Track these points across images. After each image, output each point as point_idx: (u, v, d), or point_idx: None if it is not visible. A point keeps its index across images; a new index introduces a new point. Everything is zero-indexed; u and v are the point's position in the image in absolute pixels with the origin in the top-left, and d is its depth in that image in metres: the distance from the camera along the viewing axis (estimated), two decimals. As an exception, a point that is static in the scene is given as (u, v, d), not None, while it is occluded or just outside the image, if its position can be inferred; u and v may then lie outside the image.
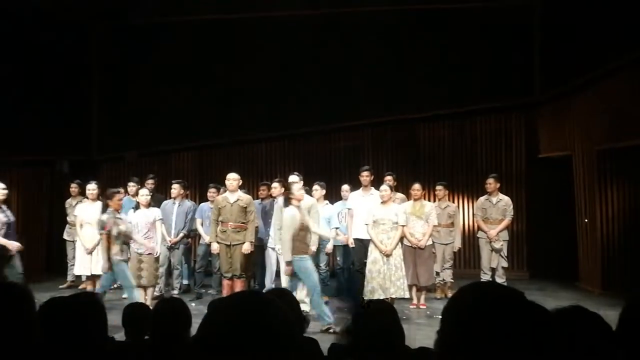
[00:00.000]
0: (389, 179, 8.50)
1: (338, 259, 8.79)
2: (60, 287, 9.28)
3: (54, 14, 10.15)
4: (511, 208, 8.54)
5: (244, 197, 7.72)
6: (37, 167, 10.61)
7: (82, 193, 9.15)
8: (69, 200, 9.51)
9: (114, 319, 3.46)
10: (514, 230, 9.80)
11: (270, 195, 8.38)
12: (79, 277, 9.06)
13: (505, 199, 8.58)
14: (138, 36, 11.42)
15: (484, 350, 1.13)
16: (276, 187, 8.15)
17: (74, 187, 9.45)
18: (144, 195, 7.84)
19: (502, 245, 8.38)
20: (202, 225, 8.56)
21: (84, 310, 2.50)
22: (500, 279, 8.31)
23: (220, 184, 8.60)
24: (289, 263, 6.67)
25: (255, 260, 8.34)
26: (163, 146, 11.68)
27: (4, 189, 7.22)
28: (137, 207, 7.89)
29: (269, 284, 8.11)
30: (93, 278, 8.00)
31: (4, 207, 7.20)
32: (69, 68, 10.74)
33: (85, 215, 8.06)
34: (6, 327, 1.38)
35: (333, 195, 9.07)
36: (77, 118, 11.24)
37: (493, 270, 8.44)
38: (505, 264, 8.48)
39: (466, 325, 1.16)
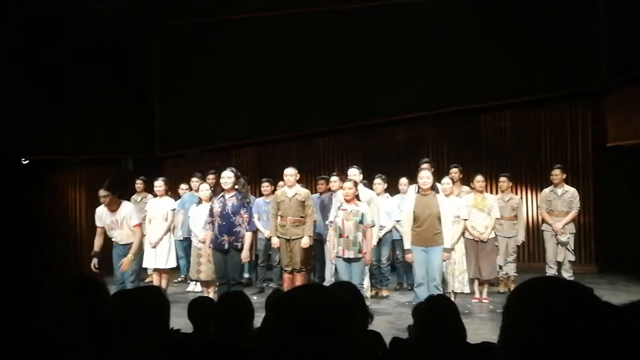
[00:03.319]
0: (454, 171, 8.34)
1: (397, 252, 8.74)
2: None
3: (117, 16, 10.46)
4: (577, 200, 8.27)
5: (301, 191, 7.75)
6: (103, 166, 10.97)
7: (147, 189, 9.51)
8: (134, 197, 9.81)
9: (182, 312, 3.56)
10: (580, 222, 9.51)
11: (329, 189, 8.41)
12: (144, 269, 9.33)
13: (571, 190, 8.32)
14: (197, 35, 11.63)
15: (546, 347, 1.11)
16: (335, 181, 8.18)
17: (139, 183, 9.82)
18: (205, 190, 8.04)
19: (568, 238, 8.13)
20: (259, 219, 8.66)
21: (148, 303, 2.57)
22: (567, 273, 8.08)
23: (279, 179, 8.69)
24: None
25: (315, 254, 8.42)
26: (223, 142, 11.90)
27: (229, 177, 6.83)
28: (199, 202, 8.12)
29: (328, 277, 8.16)
30: (159, 271, 8.25)
31: (227, 195, 6.85)
32: (132, 69, 11.06)
33: (153, 210, 8.32)
34: (89, 322, 1.42)
35: (392, 189, 9.02)
36: (141, 117, 11.57)
37: (559, 264, 8.20)
38: (572, 258, 8.22)
39: (525, 320, 1.15)
